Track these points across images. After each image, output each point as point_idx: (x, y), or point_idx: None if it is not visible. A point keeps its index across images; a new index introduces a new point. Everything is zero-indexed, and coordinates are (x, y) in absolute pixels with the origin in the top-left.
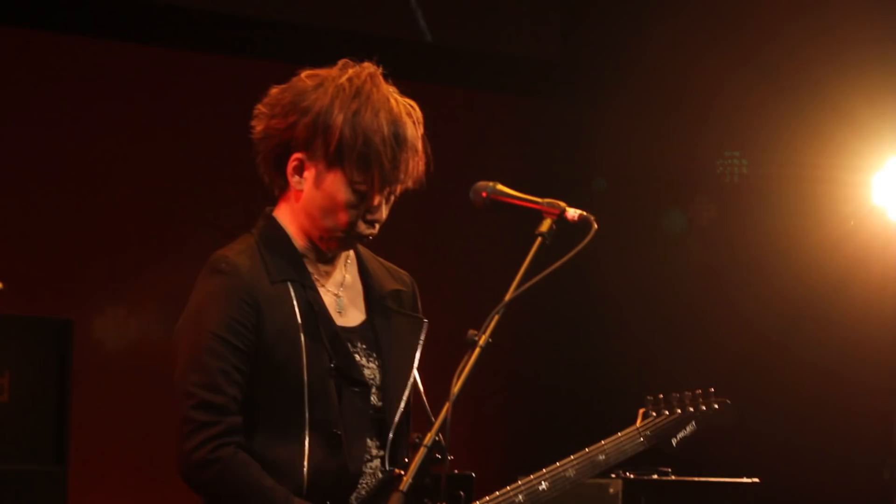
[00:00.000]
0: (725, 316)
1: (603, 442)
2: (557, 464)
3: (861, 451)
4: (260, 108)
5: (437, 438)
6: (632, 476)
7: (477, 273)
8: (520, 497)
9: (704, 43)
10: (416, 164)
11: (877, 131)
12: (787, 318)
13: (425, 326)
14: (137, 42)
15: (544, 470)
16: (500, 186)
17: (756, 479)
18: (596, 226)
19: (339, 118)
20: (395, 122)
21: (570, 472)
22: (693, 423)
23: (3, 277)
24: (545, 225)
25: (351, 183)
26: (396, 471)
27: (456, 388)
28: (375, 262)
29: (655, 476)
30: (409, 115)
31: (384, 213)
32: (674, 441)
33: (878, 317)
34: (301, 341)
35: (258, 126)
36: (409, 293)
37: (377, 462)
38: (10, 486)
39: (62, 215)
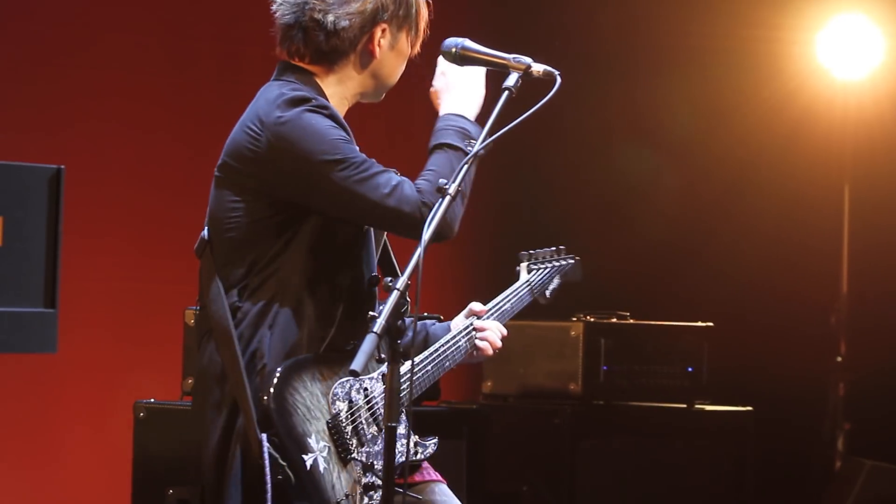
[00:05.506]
0: (673, 177)
1: (506, 294)
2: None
3: (809, 298)
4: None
5: (408, 282)
6: (592, 319)
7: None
8: (463, 342)
9: None
10: None
11: None
12: (734, 179)
13: None
14: None
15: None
16: (468, 42)
17: (710, 324)
18: (560, 80)
19: None
20: None
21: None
22: (558, 276)
23: None
24: (511, 79)
25: (410, 37)
26: (370, 314)
27: (427, 233)
28: None
29: (615, 320)
30: None
31: None
32: (547, 293)
33: (824, 174)
34: None
35: (332, 15)
36: None
37: None
38: (3, 327)
39: (54, 66)
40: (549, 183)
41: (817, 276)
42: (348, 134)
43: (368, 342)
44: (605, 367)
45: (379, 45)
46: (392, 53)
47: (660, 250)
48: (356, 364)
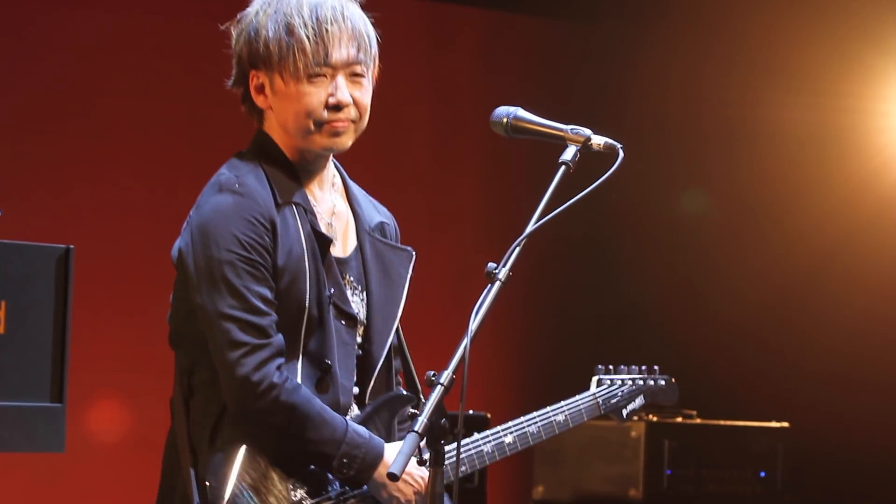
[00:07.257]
0: (754, 256)
1: (562, 403)
2: (521, 419)
3: (894, 396)
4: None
5: (453, 377)
6: (654, 419)
7: (494, 202)
8: (487, 447)
9: None
10: (355, 37)
11: None
12: (813, 265)
13: (413, 258)
14: None
15: (509, 423)
16: (521, 112)
17: (786, 424)
18: (622, 154)
19: (262, 19)
20: (315, 2)
21: (532, 429)
22: (641, 397)
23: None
24: (569, 152)
25: (294, 76)
26: (411, 411)
27: (474, 323)
28: (360, 193)
29: (680, 419)
30: None
31: (346, 94)
32: (624, 412)
33: None
34: (305, 268)
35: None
36: (391, 227)
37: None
38: (6, 423)
39: (61, 141)
40: (611, 269)
41: None
42: (263, 235)
43: (409, 442)
44: (668, 472)
45: (263, 94)
46: (276, 99)
47: (730, 342)
48: (395, 467)
